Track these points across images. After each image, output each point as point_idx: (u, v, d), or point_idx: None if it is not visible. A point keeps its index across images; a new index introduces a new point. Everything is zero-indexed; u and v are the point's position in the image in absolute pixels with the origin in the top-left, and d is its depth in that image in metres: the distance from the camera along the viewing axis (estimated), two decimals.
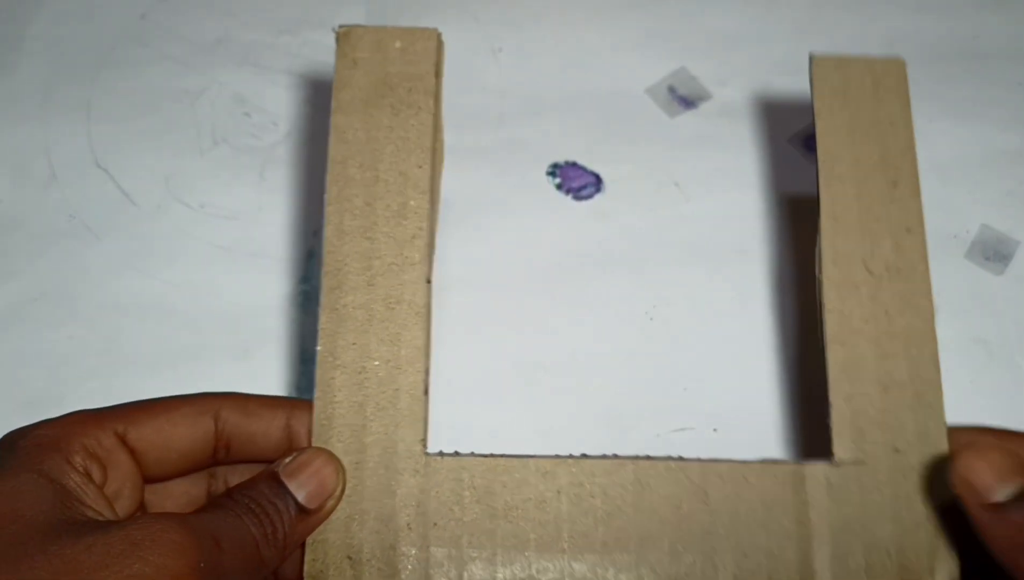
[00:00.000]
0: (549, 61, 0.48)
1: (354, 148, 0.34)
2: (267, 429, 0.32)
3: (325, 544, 0.31)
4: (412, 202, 0.34)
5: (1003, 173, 0.46)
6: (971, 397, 0.40)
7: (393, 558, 0.31)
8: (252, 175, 0.45)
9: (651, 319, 0.42)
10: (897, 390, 0.33)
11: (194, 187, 0.45)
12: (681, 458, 0.33)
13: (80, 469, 0.29)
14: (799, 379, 0.41)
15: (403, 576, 0.31)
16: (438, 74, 0.36)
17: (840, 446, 0.32)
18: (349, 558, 0.31)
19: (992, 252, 0.44)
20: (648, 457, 0.33)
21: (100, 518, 0.28)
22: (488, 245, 0.43)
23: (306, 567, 0.31)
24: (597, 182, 0.45)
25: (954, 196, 0.45)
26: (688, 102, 0.47)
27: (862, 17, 0.50)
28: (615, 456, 0.33)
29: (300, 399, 0.33)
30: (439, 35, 0.36)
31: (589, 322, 0.42)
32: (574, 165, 0.45)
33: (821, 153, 0.36)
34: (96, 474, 0.29)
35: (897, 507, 0.32)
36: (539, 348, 0.41)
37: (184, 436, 0.31)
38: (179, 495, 0.32)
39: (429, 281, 0.34)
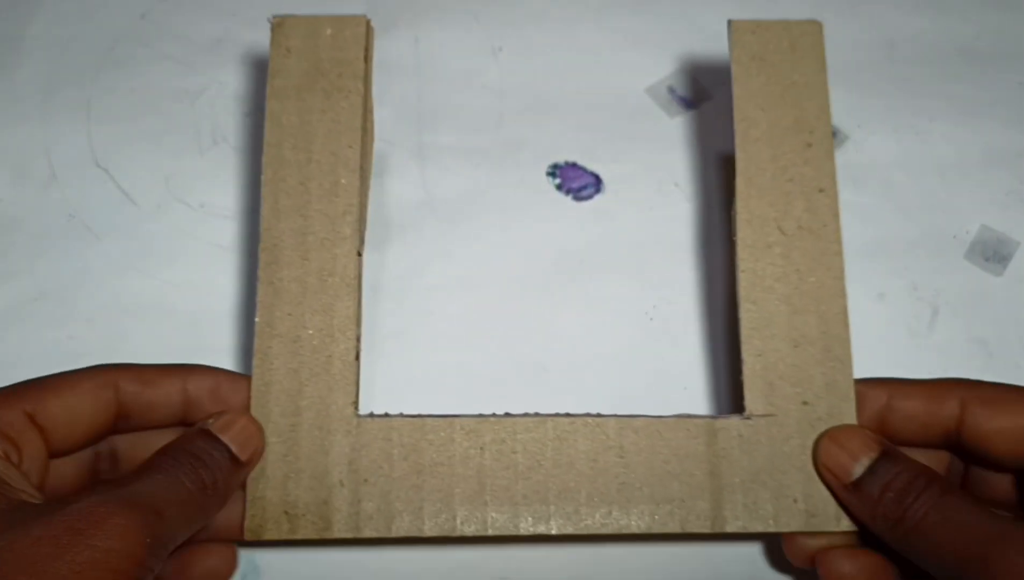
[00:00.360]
0: (549, 61, 0.48)
1: (288, 131, 0.36)
2: (166, 396, 0.33)
3: (263, 501, 0.33)
4: (343, 180, 0.36)
5: (1003, 173, 0.46)
6: None
7: (327, 512, 0.33)
8: (252, 175, 0.45)
9: (651, 319, 0.42)
10: (807, 345, 0.34)
11: (194, 187, 0.45)
12: (599, 414, 0.34)
13: (0, 454, 0.29)
14: None
15: (335, 529, 0.33)
16: (367, 59, 0.37)
17: (751, 400, 0.34)
18: (286, 513, 0.33)
19: (992, 253, 0.44)
20: (568, 414, 0.34)
21: (34, 500, 0.28)
22: (488, 245, 0.43)
23: (246, 522, 0.33)
24: (597, 182, 0.45)
25: (954, 196, 0.45)
26: (688, 102, 0.47)
27: (862, 17, 0.50)
28: (536, 414, 0.34)
29: (195, 365, 0.35)
30: (368, 22, 0.38)
31: (589, 322, 0.42)
32: (574, 165, 0.45)
33: (738, 117, 0.37)
34: (12, 456, 0.30)
35: (804, 457, 0.33)
36: (539, 348, 0.41)
37: (89, 410, 0.32)
38: (69, 462, 0.33)
39: (360, 253, 0.36)
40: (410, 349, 0.41)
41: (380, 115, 0.46)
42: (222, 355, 0.41)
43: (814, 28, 0.38)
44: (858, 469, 0.32)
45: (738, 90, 0.37)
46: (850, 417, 0.34)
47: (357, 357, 0.35)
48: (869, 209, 0.45)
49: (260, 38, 0.49)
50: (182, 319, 0.42)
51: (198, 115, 0.46)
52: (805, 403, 0.34)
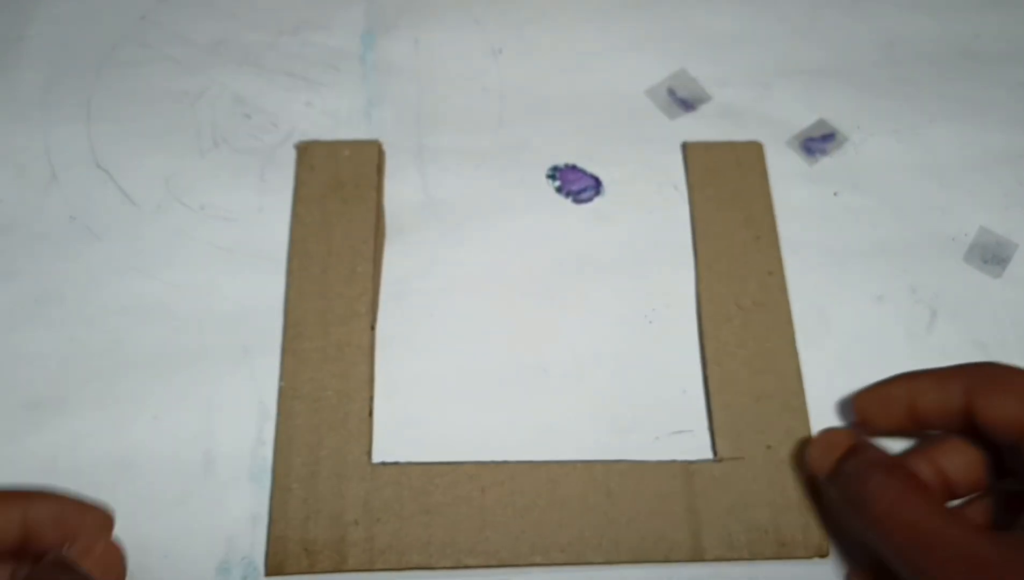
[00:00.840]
0: (549, 63, 0.48)
1: (311, 229, 0.43)
2: (4, 527, 0.31)
3: (285, 540, 0.37)
4: (359, 269, 0.42)
5: (1002, 175, 0.46)
6: None
7: (343, 548, 0.37)
8: (252, 176, 0.45)
9: (650, 322, 0.42)
10: (767, 399, 0.40)
11: (194, 188, 0.45)
12: (588, 460, 0.38)
13: None
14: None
15: (351, 562, 0.36)
16: (380, 172, 0.44)
17: (721, 445, 0.39)
18: (305, 550, 0.36)
19: (991, 255, 0.44)
20: (560, 461, 0.38)
21: None
22: (487, 248, 0.43)
23: (268, 559, 0.36)
24: (597, 185, 0.45)
25: (953, 198, 0.45)
26: (688, 104, 0.47)
27: (861, 17, 0.50)
28: (531, 461, 0.38)
29: (37, 491, 0.33)
30: (380, 145, 0.45)
31: (589, 325, 0.42)
32: (574, 168, 0.45)
33: (696, 217, 0.44)
34: None
35: (772, 494, 0.38)
36: (539, 351, 0.41)
37: None
38: None
39: (373, 328, 0.41)
40: (410, 351, 0.41)
41: (380, 116, 0.47)
42: (222, 357, 0.41)
43: (757, 147, 0.45)
44: (831, 463, 0.35)
45: (695, 196, 0.44)
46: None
47: (371, 414, 0.39)
48: (868, 210, 0.45)
49: (260, 39, 0.49)
50: (183, 320, 0.42)
51: (198, 116, 0.46)
52: (769, 448, 0.39)
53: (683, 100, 0.47)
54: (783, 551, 0.37)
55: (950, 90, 0.48)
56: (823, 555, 0.37)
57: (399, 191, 0.45)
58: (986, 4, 0.51)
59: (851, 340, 0.42)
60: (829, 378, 0.40)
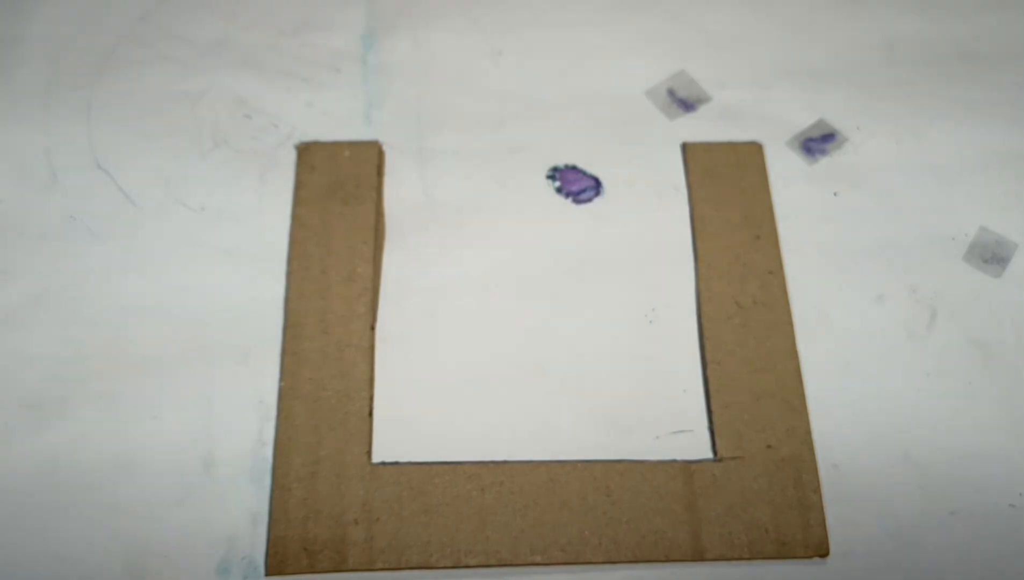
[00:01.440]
0: (549, 64, 0.48)
1: (311, 230, 0.43)
2: None
3: (285, 540, 0.37)
4: (359, 269, 0.42)
5: (1002, 175, 0.46)
6: (969, 399, 0.40)
7: (342, 548, 0.37)
8: (252, 177, 0.45)
9: (650, 322, 0.42)
10: (767, 398, 0.40)
11: (195, 189, 0.45)
12: (587, 460, 0.38)
13: None
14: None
15: (351, 562, 0.37)
16: (380, 173, 0.45)
17: (722, 445, 0.39)
18: (305, 549, 0.37)
19: (990, 254, 0.44)
20: (559, 461, 0.38)
21: None
22: (488, 248, 0.43)
23: (269, 559, 0.37)
24: (597, 185, 0.45)
25: (952, 198, 0.45)
26: (687, 105, 0.47)
27: (861, 18, 0.50)
28: (530, 461, 0.38)
29: None
30: (380, 146, 0.45)
31: (589, 325, 0.42)
32: (574, 168, 0.45)
33: (695, 217, 0.44)
34: None
35: (772, 494, 0.38)
36: (539, 351, 0.41)
37: None
38: None
39: (373, 328, 0.41)
40: (410, 351, 0.41)
41: (380, 117, 0.47)
42: (222, 357, 0.41)
43: (756, 148, 0.45)
44: None
45: (694, 195, 0.44)
46: (810, 458, 0.38)
47: (371, 414, 0.39)
48: (868, 211, 0.45)
49: (261, 40, 0.49)
50: (182, 320, 0.42)
51: (199, 117, 0.46)
52: (769, 447, 0.39)
53: (683, 101, 0.47)
54: (783, 551, 0.37)
55: (950, 91, 0.48)
56: (823, 555, 0.37)
57: (399, 192, 0.45)
58: (986, 5, 0.51)
59: (851, 340, 0.42)
60: (829, 378, 0.40)
